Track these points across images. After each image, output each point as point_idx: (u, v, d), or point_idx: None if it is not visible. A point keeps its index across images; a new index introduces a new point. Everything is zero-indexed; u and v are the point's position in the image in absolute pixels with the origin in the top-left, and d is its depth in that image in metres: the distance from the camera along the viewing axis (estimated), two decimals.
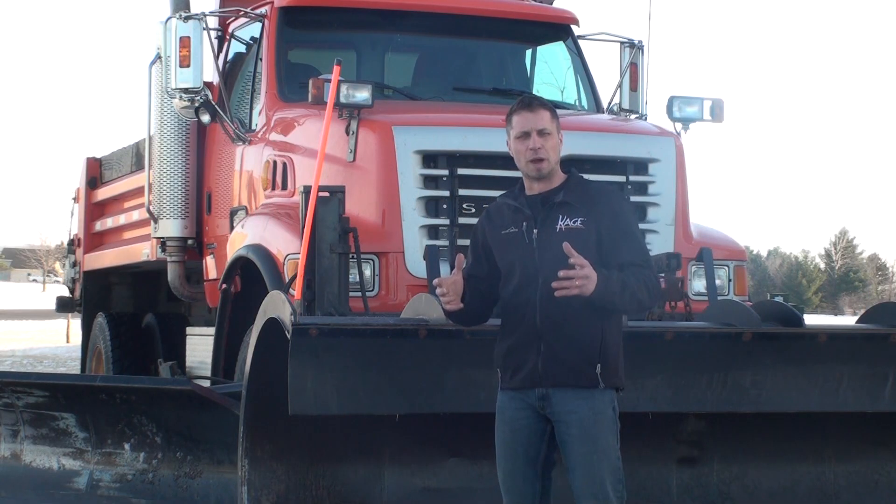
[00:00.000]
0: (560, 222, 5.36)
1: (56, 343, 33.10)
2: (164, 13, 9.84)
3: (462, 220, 8.30)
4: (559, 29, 10.50)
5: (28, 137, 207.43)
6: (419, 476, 7.10)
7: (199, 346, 10.32)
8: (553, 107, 5.55)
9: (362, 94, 8.27)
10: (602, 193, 5.48)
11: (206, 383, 9.18)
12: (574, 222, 5.35)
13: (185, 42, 9.42)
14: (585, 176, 8.18)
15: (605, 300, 5.22)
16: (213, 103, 9.62)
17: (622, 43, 10.57)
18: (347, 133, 8.49)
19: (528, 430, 5.41)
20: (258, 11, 9.90)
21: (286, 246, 8.29)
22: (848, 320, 45.82)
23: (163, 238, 10.70)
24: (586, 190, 5.47)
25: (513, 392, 5.43)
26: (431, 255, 7.96)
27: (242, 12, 10.04)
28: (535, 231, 5.38)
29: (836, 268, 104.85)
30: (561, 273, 5.17)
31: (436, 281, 5.47)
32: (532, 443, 5.41)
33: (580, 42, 10.52)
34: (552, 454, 5.46)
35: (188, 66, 9.44)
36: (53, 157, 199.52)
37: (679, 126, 9.40)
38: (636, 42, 10.53)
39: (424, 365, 6.29)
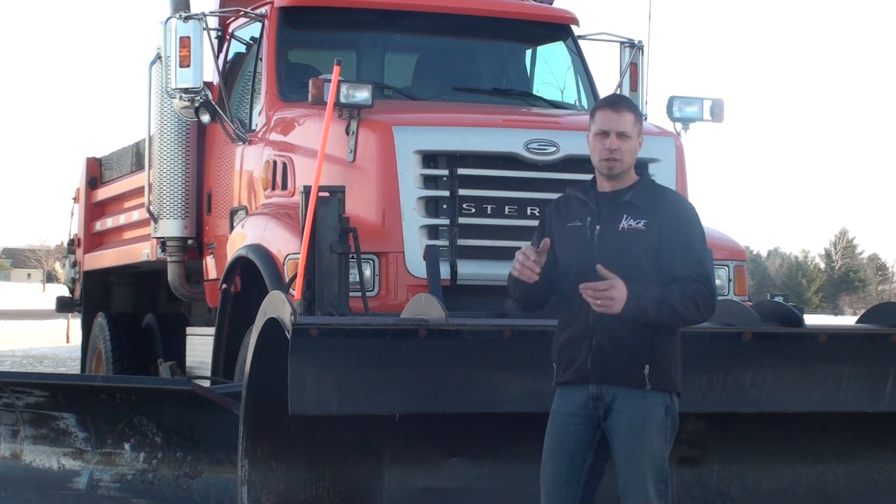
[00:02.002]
0: (623, 222, 5.37)
1: (56, 343, 33.09)
2: (164, 13, 9.85)
3: (462, 220, 8.29)
4: (559, 29, 10.50)
5: (28, 137, 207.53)
6: (419, 476, 7.09)
7: (199, 346, 10.32)
8: (639, 110, 5.54)
9: (362, 94, 8.26)
10: (669, 199, 5.49)
11: (206, 383, 9.18)
12: (637, 223, 5.36)
13: (185, 42, 9.42)
14: (587, 176, 8.27)
15: (636, 317, 5.23)
16: (213, 103, 9.62)
17: (622, 43, 10.57)
18: (347, 133, 8.49)
19: (575, 437, 5.40)
20: (258, 11, 9.89)
21: (286, 246, 8.29)
22: (848, 320, 45.84)
23: (163, 238, 10.70)
24: (654, 194, 5.47)
25: (565, 392, 5.42)
26: (431, 255, 7.96)
27: (242, 12, 10.04)
28: (597, 227, 5.39)
29: (836, 268, 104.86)
30: (583, 286, 5.18)
31: (526, 248, 5.36)
32: (578, 450, 5.40)
33: (580, 42, 10.52)
34: (600, 464, 5.45)
35: (188, 66, 9.43)
36: (53, 157, 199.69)
37: (679, 126, 9.40)
38: (636, 42, 10.53)
39: (424, 365, 6.29)
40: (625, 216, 5.38)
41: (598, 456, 5.43)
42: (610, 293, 5.17)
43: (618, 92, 10.47)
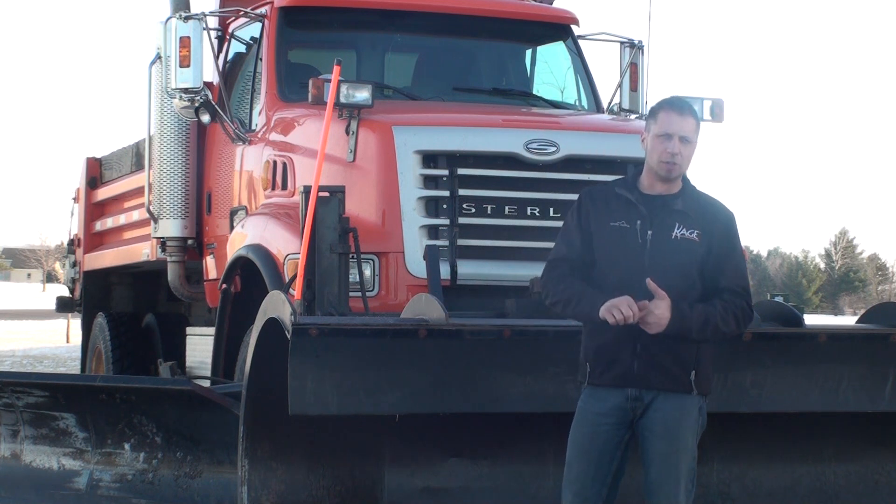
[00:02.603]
0: (676, 230, 5.35)
1: (56, 343, 33.08)
2: (164, 13, 9.85)
3: (462, 220, 8.29)
4: (559, 29, 10.50)
5: (28, 137, 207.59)
6: (419, 476, 7.09)
7: (199, 346, 10.32)
8: (699, 116, 5.54)
9: (362, 94, 8.26)
10: (719, 211, 5.48)
11: (206, 383, 9.18)
12: (690, 233, 5.34)
13: (185, 42, 9.42)
14: (587, 176, 8.31)
15: (678, 334, 5.25)
16: (213, 103, 9.62)
17: (622, 43, 10.57)
18: (347, 133, 8.49)
19: (606, 436, 5.39)
20: (258, 11, 9.89)
21: (286, 246, 8.29)
22: (848, 320, 45.81)
23: (163, 238, 10.70)
24: (703, 203, 5.46)
25: (599, 392, 5.40)
26: (431, 255, 7.95)
27: (242, 12, 10.04)
28: (649, 232, 5.35)
29: (836, 268, 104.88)
30: (632, 301, 5.17)
31: (630, 303, 5.20)
32: (607, 450, 5.40)
33: (580, 42, 10.52)
34: (624, 464, 5.45)
35: (188, 66, 9.43)
36: (53, 157, 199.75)
37: None
38: (636, 42, 10.53)
39: (424, 365, 6.29)
40: (678, 224, 5.35)
41: (624, 456, 5.44)
42: (648, 318, 5.19)
43: (618, 92, 10.48)
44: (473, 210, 8.33)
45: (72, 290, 14.95)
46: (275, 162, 9.29)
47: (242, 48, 10.23)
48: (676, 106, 5.44)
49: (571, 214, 5.56)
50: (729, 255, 5.39)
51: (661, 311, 5.18)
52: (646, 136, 5.47)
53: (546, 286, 5.50)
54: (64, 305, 15.29)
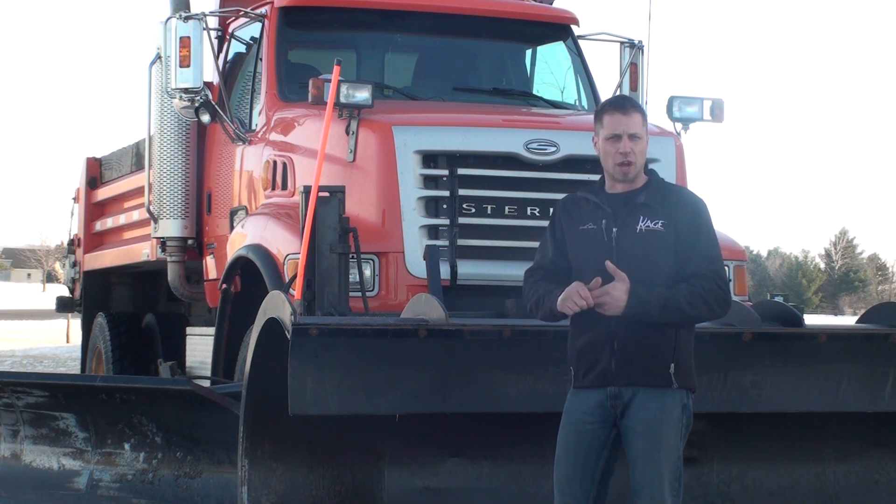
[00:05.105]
0: (641, 223, 5.35)
1: (56, 343, 33.11)
2: (164, 13, 9.85)
3: (462, 220, 8.30)
4: (559, 29, 10.51)
5: (28, 137, 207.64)
6: (419, 476, 7.09)
7: (199, 346, 10.32)
8: (644, 109, 5.54)
9: (362, 94, 8.26)
10: (684, 198, 5.48)
11: (206, 383, 9.18)
12: (655, 224, 5.35)
13: (185, 42, 9.42)
14: (587, 176, 8.32)
15: (640, 318, 5.24)
16: (213, 103, 9.62)
17: (622, 43, 10.57)
18: (347, 133, 8.49)
19: (591, 435, 5.40)
20: (258, 11, 9.90)
21: (286, 246, 8.29)
22: (848, 320, 45.83)
23: (163, 238, 10.70)
24: (668, 193, 5.47)
25: (583, 392, 5.41)
26: (431, 255, 7.96)
27: (242, 12, 10.04)
28: (614, 230, 5.37)
29: (836, 268, 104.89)
30: (583, 286, 5.21)
31: (581, 289, 5.26)
32: (593, 448, 5.40)
33: (580, 42, 10.53)
34: (613, 463, 5.45)
35: (188, 66, 9.43)
36: (53, 157, 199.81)
37: (679, 126, 9.40)
38: (636, 42, 10.54)
39: (424, 365, 6.29)
40: (641, 217, 5.36)
41: (611, 454, 5.44)
42: (603, 298, 5.20)
43: (618, 92, 10.47)
44: (473, 210, 8.34)
45: (72, 290, 14.95)
46: (275, 162, 9.30)
47: (242, 48, 10.23)
48: (620, 105, 5.48)
49: (548, 224, 5.65)
50: (695, 240, 5.37)
51: (617, 293, 5.19)
52: (596, 140, 5.50)
53: (523, 293, 5.60)
54: (64, 305, 15.29)
